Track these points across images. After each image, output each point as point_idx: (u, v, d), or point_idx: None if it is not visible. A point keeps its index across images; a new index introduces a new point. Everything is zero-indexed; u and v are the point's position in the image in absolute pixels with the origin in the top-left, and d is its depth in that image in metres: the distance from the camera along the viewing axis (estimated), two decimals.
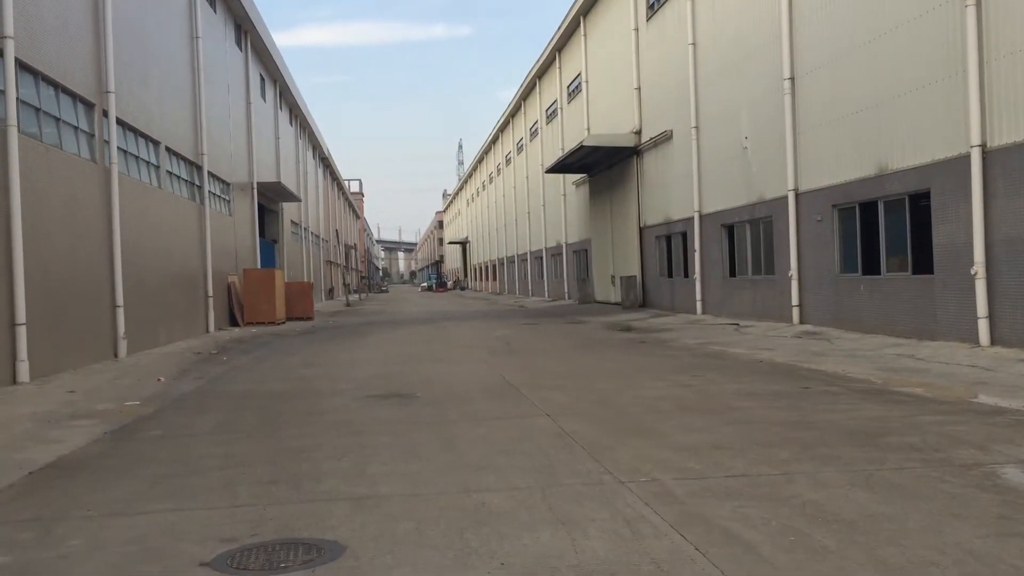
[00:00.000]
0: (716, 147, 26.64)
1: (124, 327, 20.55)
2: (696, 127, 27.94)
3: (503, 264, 76.49)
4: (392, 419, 10.32)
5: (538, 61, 53.59)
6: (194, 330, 28.05)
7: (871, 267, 18.61)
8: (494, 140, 78.21)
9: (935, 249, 16.08)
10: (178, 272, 26.35)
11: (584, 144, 34.50)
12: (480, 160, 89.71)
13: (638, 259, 35.11)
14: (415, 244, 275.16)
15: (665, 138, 31.14)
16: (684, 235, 29.98)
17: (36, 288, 15.83)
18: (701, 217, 27.98)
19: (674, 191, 30.67)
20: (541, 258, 57.82)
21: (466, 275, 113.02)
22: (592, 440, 8.49)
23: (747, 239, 24.93)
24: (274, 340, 25.66)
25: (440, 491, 6.73)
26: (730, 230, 26.26)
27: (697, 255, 28.25)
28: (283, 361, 19.02)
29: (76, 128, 18.88)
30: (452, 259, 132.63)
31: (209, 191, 30.18)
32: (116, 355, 20.25)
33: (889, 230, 17.77)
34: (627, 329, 24.88)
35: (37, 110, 16.81)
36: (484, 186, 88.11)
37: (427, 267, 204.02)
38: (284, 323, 35.22)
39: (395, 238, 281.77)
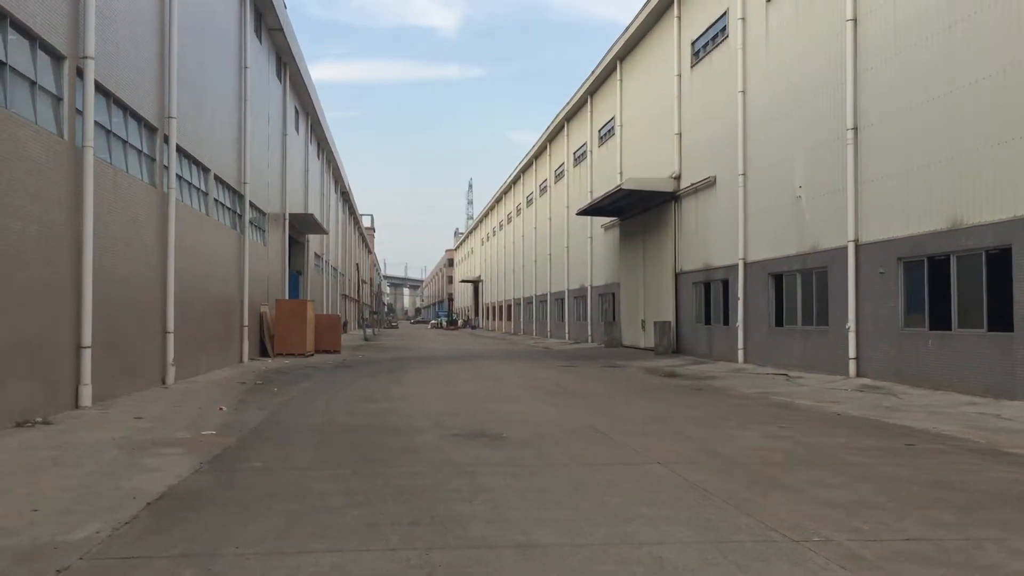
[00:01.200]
0: (764, 195, 26.50)
1: (173, 354, 20.30)
2: (744, 174, 27.83)
3: (519, 304, 76.23)
4: (496, 460, 9.99)
5: (567, 104, 53.78)
6: (229, 359, 27.78)
7: (940, 322, 18.34)
8: (514, 181, 78.33)
9: (1016, 307, 15.82)
10: (218, 300, 26.15)
11: (623, 187, 34.40)
12: (498, 200, 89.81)
13: (672, 305, 34.85)
14: (420, 281, 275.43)
15: (707, 184, 31.03)
16: (725, 282, 29.74)
17: (100, 311, 15.60)
18: (746, 265, 27.76)
19: (715, 238, 30.49)
20: (562, 300, 57.57)
21: (477, 314, 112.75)
22: (728, 492, 8.17)
23: (797, 288, 24.68)
24: (314, 373, 25.33)
25: (604, 541, 6.42)
26: (778, 279, 26.02)
27: (740, 303, 27.98)
28: (338, 394, 18.70)
29: (140, 152, 18.76)
30: (462, 297, 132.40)
31: (249, 220, 30.05)
32: (164, 382, 19.99)
33: (962, 285, 17.52)
34: (672, 375, 24.54)
35: (108, 132, 16.69)
36: (501, 226, 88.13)
37: (434, 304, 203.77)
38: (313, 355, 34.92)
39: (401, 274, 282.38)
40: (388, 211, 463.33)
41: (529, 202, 70.82)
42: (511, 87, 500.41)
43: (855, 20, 21.32)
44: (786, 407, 16.37)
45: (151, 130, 19.43)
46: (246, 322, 29.85)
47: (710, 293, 31.51)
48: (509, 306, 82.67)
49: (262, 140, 33.49)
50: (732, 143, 28.66)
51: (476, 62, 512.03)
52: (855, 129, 21.22)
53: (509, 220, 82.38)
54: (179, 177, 21.41)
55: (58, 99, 14.37)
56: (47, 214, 13.68)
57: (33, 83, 13.47)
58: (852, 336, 21.23)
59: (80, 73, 15.02)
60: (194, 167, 23.21)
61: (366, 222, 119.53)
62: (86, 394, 15.00)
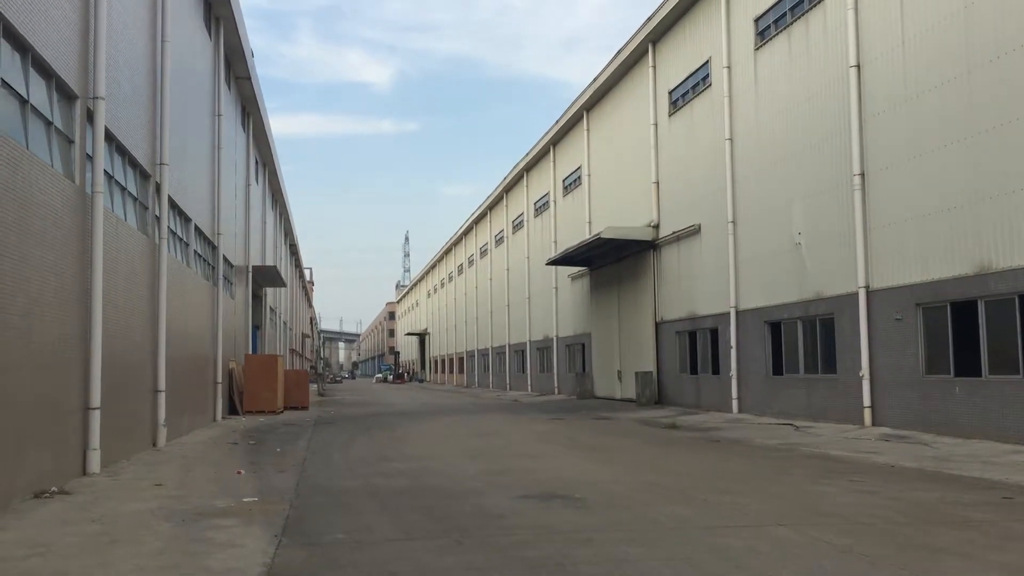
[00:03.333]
0: (757, 242, 26.31)
1: (165, 414, 19.08)
2: (733, 221, 27.65)
3: (473, 357, 75.28)
4: (598, 525, 9.16)
5: (528, 155, 53.65)
6: (205, 418, 26.44)
7: (967, 369, 18.09)
8: (465, 232, 77.83)
9: None
10: (196, 356, 24.90)
11: (602, 236, 34.03)
12: (447, 251, 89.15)
13: (653, 354, 34.40)
14: (356, 335, 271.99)
15: (691, 232, 30.83)
16: (715, 331, 29.40)
17: (104, 369, 14.44)
18: (738, 313, 27.46)
19: (701, 286, 30.21)
20: (523, 352, 56.88)
21: (424, 367, 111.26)
22: (889, 559, 7.52)
23: (798, 336, 24.39)
24: (299, 431, 24.12)
25: None
26: (775, 327, 25.73)
27: (734, 351, 27.62)
28: (348, 454, 17.68)
29: (136, 200, 17.73)
30: (407, 350, 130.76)
31: (221, 273, 28.91)
32: (155, 444, 18.75)
33: (993, 331, 17.31)
34: (674, 427, 23.94)
35: (110, 178, 15.67)
36: (451, 277, 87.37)
37: (373, 358, 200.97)
38: (283, 412, 33.56)
39: (336, 328, 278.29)
40: (323, 265, 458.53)
41: (483, 253, 70.29)
42: (446, 142, 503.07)
43: (859, 66, 21.35)
44: (827, 458, 15.85)
45: (145, 177, 18.42)
46: (219, 379, 28.56)
47: (696, 342, 31.13)
48: (461, 358, 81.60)
49: (230, 190, 32.43)
50: (719, 191, 28.51)
51: (410, 117, 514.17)
52: (862, 175, 21.13)
53: (460, 271, 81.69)
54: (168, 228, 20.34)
55: (70, 141, 13.38)
56: (62, 265, 12.62)
57: (49, 123, 12.49)
58: (866, 384, 20.90)
59: (90, 115, 14.05)
60: (178, 217, 22.16)
61: (306, 275, 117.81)
62: (94, 460, 13.81)
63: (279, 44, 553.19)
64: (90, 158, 14.05)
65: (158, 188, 19.16)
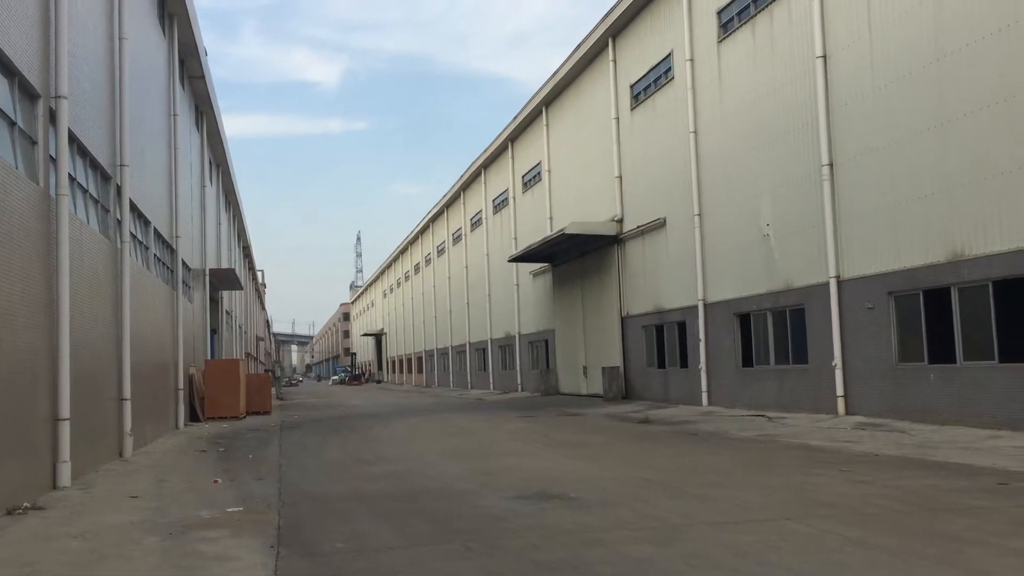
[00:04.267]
0: (725, 235, 26.33)
1: (130, 423, 18.52)
2: (699, 215, 27.66)
3: (432, 356, 74.84)
4: (602, 524, 8.95)
5: (485, 151, 53.37)
6: (168, 426, 25.81)
7: (941, 355, 18.21)
8: (422, 231, 77.33)
9: None
10: (158, 362, 24.28)
11: (566, 231, 33.89)
12: (403, 251, 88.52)
13: (620, 349, 34.35)
14: (309, 337, 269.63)
15: (656, 226, 30.80)
16: (682, 324, 29.41)
17: (73, 377, 13.93)
18: (707, 306, 27.48)
19: (668, 279, 30.21)
20: (484, 350, 56.62)
21: (381, 368, 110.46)
22: (908, 549, 7.42)
23: (768, 328, 24.45)
24: (267, 436, 23.63)
25: None
26: (744, 318, 25.78)
27: (702, 344, 27.64)
28: (323, 457, 17.33)
29: (97, 202, 17.17)
30: (363, 351, 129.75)
31: (180, 277, 28.26)
32: (122, 454, 18.16)
33: (967, 317, 17.43)
34: (647, 421, 23.88)
35: (72, 180, 15.13)
36: (408, 277, 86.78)
37: (327, 360, 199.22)
38: (245, 418, 32.92)
39: (287, 330, 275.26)
40: (274, 266, 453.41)
41: (441, 251, 69.87)
42: (395, 141, 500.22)
43: (825, 57, 21.41)
44: (808, 449, 15.86)
45: (106, 179, 17.87)
46: (181, 385, 27.92)
47: (663, 336, 31.12)
48: (420, 358, 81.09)
49: (186, 192, 31.73)
50: (684, 184, 28.51)
51: (359, 116, 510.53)
52: (831, 165, 21.19)
53: (417, 271, 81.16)
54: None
55: (33, 142, 12.85)
56: (29, 271, 12.12)
57: (12, 124, 11.97)
58: (839, 373, 20.99)
59: (53, 115, 13.53)
60: (138, 220, 21.56)
61: (259, 278, 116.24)
62: (65, 472, 13.29)
63: (224, 44, 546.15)
64: (53, 160, 13.53)
65: (119, 190, 18.60)
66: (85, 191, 16.17)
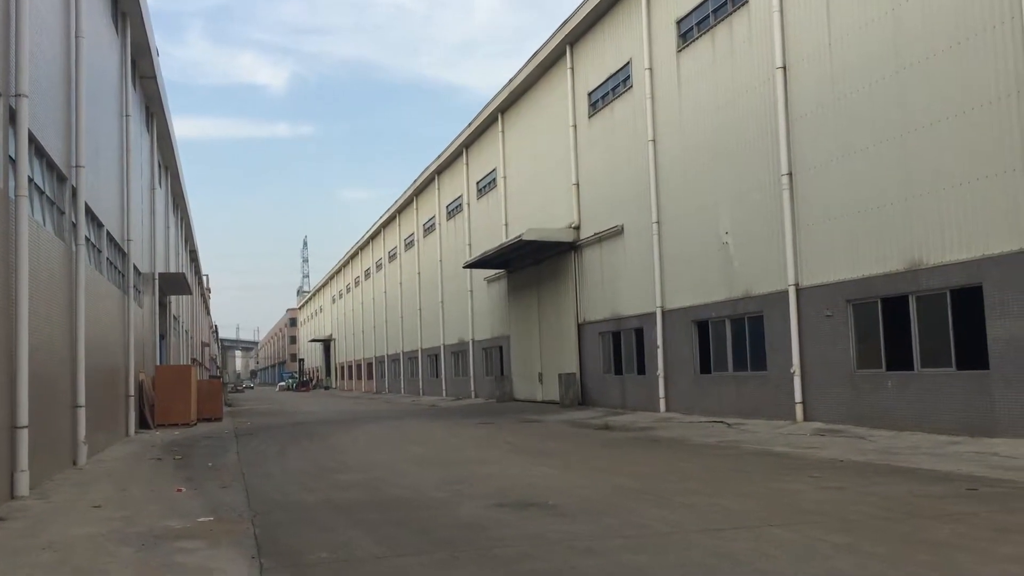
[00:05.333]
0: (683, 242, 26.52)
1: (85, 431, 18.03)
2: (658, 222, 27.83)
3: (382, 362, 74.31)
4: (590, 533, 8.88)
5: (439, 157, 53.20)
6: (118, 434, 25.20)
7: (899, 363, 18.50)
8: (373, 236, 76.80)
9: (991, 344, 16.05)
10: (110, 368, 23.72)
11: (523, 238, 33.87)
12: (353, 255, 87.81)
13: (576, 356, 34.41)
14: (254, 342, 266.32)
15: (614, 233, 30.92)
16: (639, 331, 29.54)
17: (31, 383, 13.51)
18: (665, 313, 27.64)
19: (625, 287, 30.33)
20: (437, 356, 56.35)
21: (329, 374, 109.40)
22: (901, 556, 7.48)
23: (727, 335, 24.66)
24: (223, 443, 23.20)
25: None
26: (702, 325, 25.97)
27: (660, 351, 27.79)
28: (286, 466, 17.02)
29: (53, 204, 16.72)
30: (310, 357, 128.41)
31: (131, 281, 27.67)
32: (76, 463, 17.68)
33: (925, 325, 17.74)
34: (607, 428, 23.92)
35: (30, 181, 14.68)
36: (358, 282, 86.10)
37: (273, 366, 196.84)
38: (196, 425, 32.32)
39: (232, 336, 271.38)
40: (218, 271, 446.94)
41: (392, 257, 69.44)
42: (343, 146, 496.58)
43: (785, 68, 21.69)
44: (773, 455, 16.00)
45: (61, 180, 17.41)
46: (131, 392, 27.30)
47: (620, 343, 31.23)
48: (370, 364, 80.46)
49: (136, 195, 31.08)
50: (643, 192, 28.67)
51: (306, 120, 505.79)
52: (790, 174, 21.46)
53: (367, 276, 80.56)
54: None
55: None
56: None
57: None
58: (798, 380, 21.23)
59: (12, 114, 13.12)
60: (91, 222, 21.04)
61: (204, 282, 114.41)
62: (23, 482, 12.88)
63: (168, 45, 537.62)
64: (12, 160, 13.13)
65: (74, 192, 18.14)
66: (42, 192, 15.73)
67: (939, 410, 17.30)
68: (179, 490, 13.71)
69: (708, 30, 25.23)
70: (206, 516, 10.94)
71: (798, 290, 21.28)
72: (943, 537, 8.15)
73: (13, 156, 13.19)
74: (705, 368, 25.95)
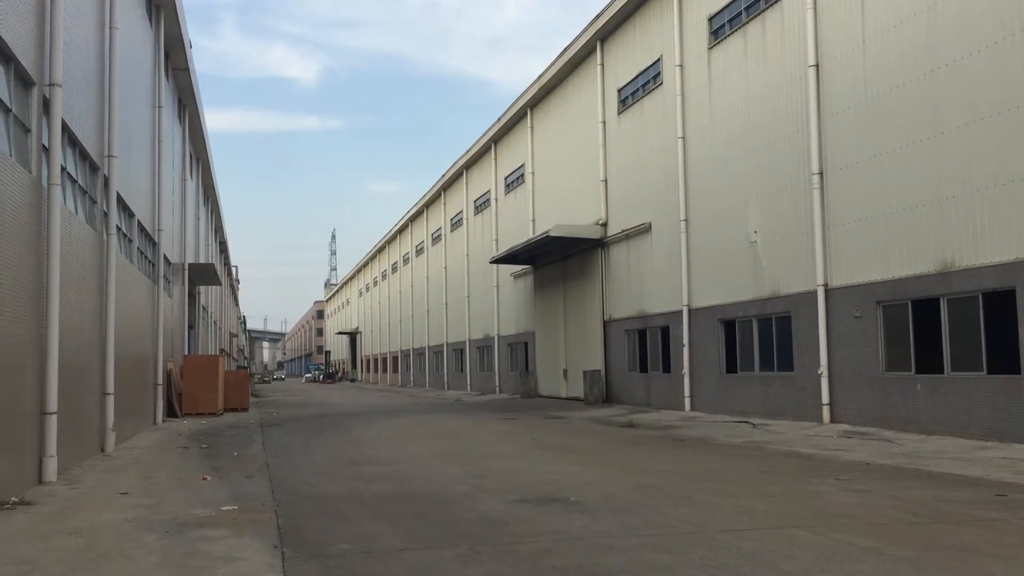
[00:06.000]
0: (711, 241, 26.37)
1: (113, 418, 18.22)
2: (685, 220, 27.69)
3: (408, 356, 74.52)
4: (611, 530, 8.86)
5: (467, 152, 53.23)
6: (146, 421, 25.47)
7: (929, 366, 18.30)
8: (400, 230, 77.00)
9: (1023, 349, 15.83)
10: (138, 356, 23.94)
11: (550, 234, 33.82)
12: (380, 249, 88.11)
13: (601, 353, 34.32)
14: (281, 334, 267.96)
15: (642, 231, 30.80)
16: (665, 329, 29.42)
17: (60, 370, 13.66)
18: (691, 311, 27.51)
19: (652, 284, 30.22)
20: (462, 351, 56.44)
21: (355, 366, 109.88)
22: (927, 561, 7.40)
23: (753, 334, 24.50)
24: (250, 434, 23.37)
25: None
26: (729, 325, 25.82)
27: (686, 350, 27.66)
28: (311, 457, 17.15)
29: (85, 193, 16.89)
30: (337, 349, 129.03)
31: (161, 270, 27.93)
32: (104, 449, 17.89)
33: (956, 328, 17.53)
34: (631, 425, 23.84)
35: (63, 170, 14.83)
36: (384, 276, 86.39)
37: (299, 358, 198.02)
38: (223, 415, 32.59)
39: (259, 326, 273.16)
40: (246, 262, 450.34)
41: (420, 251, 69.60)
42: (372, 140, 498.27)
43: (818, 66, 21.48)
44: (799, 456, 15.86)
45: (94, 170, 17.59)
46: (160, 380, 27.56)
47: (646, 340, 31.12)
48: (396, 358, 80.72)
49: (168, 185, 31.34)
50: (671, 189, 28.53)
51: (336, 114, 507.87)
52: (821, 174, 21.26)
53: (394, 270, 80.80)
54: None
55: (26, 130, 12.58)
56: (21, 260, 11.87)
57: (8, 111, 11.72)
58: (825, 381, 21.05)
59: (47, 103, 13.26)
60: (123, 212, 21.24)
61: (233, 273, 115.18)
62: (51, 467, 13.05)
63: (201, 37, 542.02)
64: (46, 149, 13.28)
65: (106, 181, 18.33)
66: (74, 181, 15.90)
67: (969, 414, 17.10)
68: (204, 479, 13.83)
69: (740, 27, 25.05)
70: (230, 505, 11.03)
71: (827, 291, 21.10)
72: (971, 543, 8.05)
73: (46, 145, 13.35)
74: (731, 367, 25.80)
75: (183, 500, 11.52)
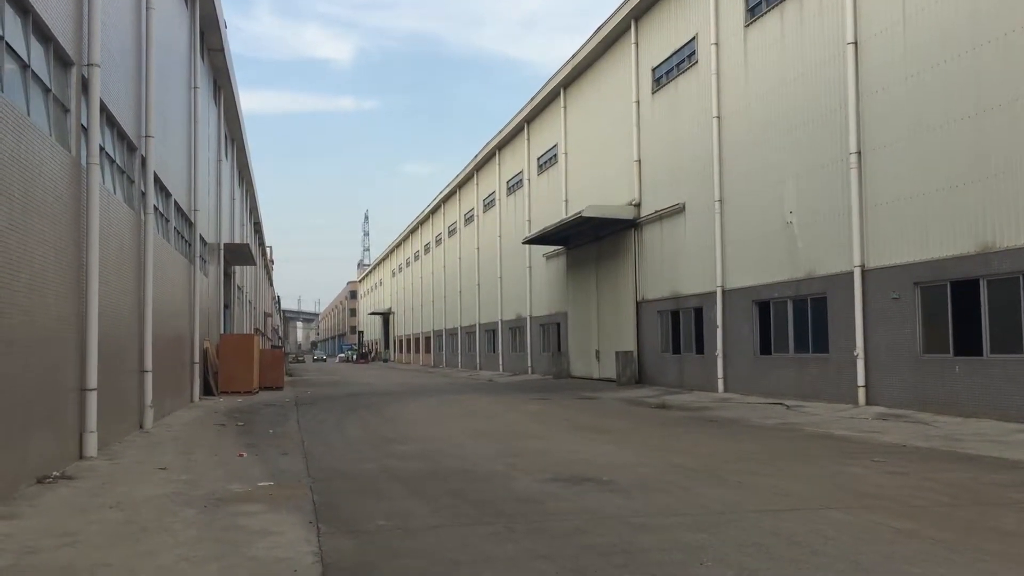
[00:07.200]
0: (746, 221, 26.15)
1: (152, 395, 18.48)
2: (720, 200, 27.47)
3: (440, 336, 74.80)
4: (645, 509, 8.88)
5: (500, 132, 53.11)
6: (183, 399, 25.79)
7: (967, 348, 18.06)
8: (433, 211, 77.12)
9: None
10: (176, 335, 24.22)
11: (583, 214, 33.72)
12: (413, 230, 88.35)
13: (634, 334, 34.24)
14: (315, 314, 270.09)
15: (675, 211, 30.61)
16: (699, 310, 29.27)
17: (100, 348, 13.85)
18: (725, 292, 27.34)
19: (685, 265, 30.05)
20: (495, 331, 56.54)
21: (388, 347, 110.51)
22: (964, 543, 7.33)
23: (788, 316, 24.30)
24: (284, 411, 23.61)
25: None
26: (764, 306, 25.63)
27: (720, 331, 27.51)
28: (344, 434, 17.33)
29: (123, 173, 17.06)
30: (370, 330, 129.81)
31: (198, 250, 28.19)
32: (142, 426, 18.14)
33: (995, 310, 17.28)
34: (664, 407, 23.77)
35: (101, 149, 14.99)
36: (417, 256, 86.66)
37: (333, 338, 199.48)
38: (258, 393, 32.93)
39: (294, 307, 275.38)
40: (280, 243, 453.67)
41: (452, 232, 69.70)
42: (406, 120, 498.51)
43: (856, 43, 21.16)
44: (833, 438, 15.75)
45: (131, 150, 17.75)
46: (196, 359, 27.89)
47: (679, 322, 30.99)
48: (428, 338, 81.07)
49: (203, 166, 31.58)
50: (706, 169, 28.31)
51: (370, 95, 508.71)
52: (859, 153, 20.99)
53: (427, 250, 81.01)
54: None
55: (65, 110, 12.73)
56: (61, 240, 12.04)
57: (47, 91, 11.85)
58: (861, 363, 20.85)
59: (84, 83, 13.40)
60: (160, 192, 21.43)
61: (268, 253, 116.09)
62: (91, 443, 13.27)
63: (236, 18, 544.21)
64: (84, 129, 13.43)
65: (144, 161, 18.50)
66: (112, 161, 16.06)
67: (1008, 397, 16.87)
68: (241, 455, 14.00)
69: (777, 4, 24.72)
70: (266, 481, 11.16)
71: (864, 271, 20.86)
72: (1010, 526, 7.97)
73: (85, 125, 13.49)
74: (765, 349, 25.63)
75: (220, 476, 11.67)
